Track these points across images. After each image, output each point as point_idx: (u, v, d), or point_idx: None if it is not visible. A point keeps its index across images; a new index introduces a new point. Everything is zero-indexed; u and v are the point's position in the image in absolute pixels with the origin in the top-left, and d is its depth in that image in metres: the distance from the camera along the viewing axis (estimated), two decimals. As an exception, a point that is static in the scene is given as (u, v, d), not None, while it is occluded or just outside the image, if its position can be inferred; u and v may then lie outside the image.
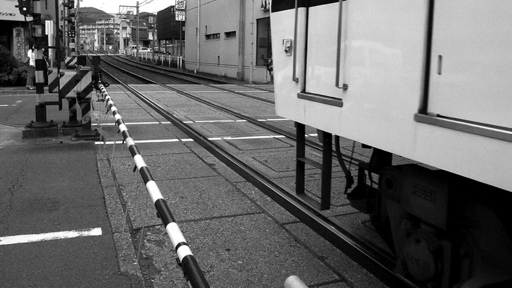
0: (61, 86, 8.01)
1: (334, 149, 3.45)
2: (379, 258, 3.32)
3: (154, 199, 2.59)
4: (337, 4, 2.72)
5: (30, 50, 15.46)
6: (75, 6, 34.49)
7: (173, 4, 46.72)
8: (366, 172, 3.47)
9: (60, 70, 8.26)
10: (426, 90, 2.11)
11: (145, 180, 2.95)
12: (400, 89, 2.27)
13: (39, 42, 7.98)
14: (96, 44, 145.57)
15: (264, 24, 25.81)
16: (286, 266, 3.42)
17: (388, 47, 2.38)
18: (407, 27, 2.21)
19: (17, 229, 3.95)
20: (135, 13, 69.04)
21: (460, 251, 2.35)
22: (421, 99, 2.13)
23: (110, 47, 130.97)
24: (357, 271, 3.36)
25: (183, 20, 42.65)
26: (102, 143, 7.54)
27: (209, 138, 8.08)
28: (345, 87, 2.70)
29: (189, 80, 27.22)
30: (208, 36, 36.40)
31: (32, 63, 15.10)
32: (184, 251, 1.92)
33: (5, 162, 6.17)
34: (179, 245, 1.98)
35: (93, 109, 8.68)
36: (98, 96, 8.52)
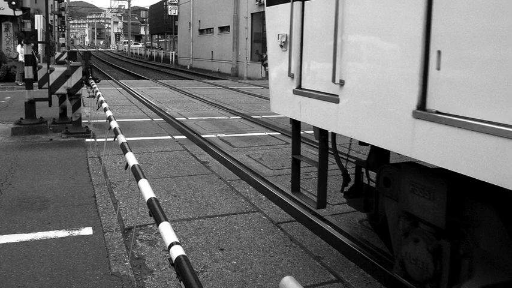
0: (51, 82, 7.91)
1: (330, 146, 3.40)
2: (377, 258, 3.29)
3: (147, 198, 2.56)
4: (334, -2, 2.66)
5: (19, 45, 15.23)
6: (65, 0, 34.09)
7: (165, -2, 46.37)
8: (363, 170, 3.43)
9: (50, 66, 8.13)
10: (425, 86, 2.07)
11: (137, 179, 2.91)
12: (398, 85, 2.23)
13: (28, 37, 7.85)
14: (86, 39, 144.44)
15: (258, 18, 25.68)
16: (282, 266, 3.38)
17: (386, 42, 2.34)
18: (406, 22, 2.17)
19: (6, 228, 3.88)
20: (126, 7, 68.52)
21: (459, 251, 2.32)
22: (420, 96, 2.09)
23: (101, 42, 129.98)
24: (354, 271, 3.32)
25: (176, 14, 42.34)
26: (93, 140, 7.44)
27: (202, 136, 8.00)
28: (342, 83, 2.66)
29: (182, 76, 27.06)
30: (201, 31, 36.18)
31: (21, 58, 14.90)
32: (177, 251, 1.91)
33: (-7, 160, 6.06)
34: (172, 244, 1.98)
35: (84, 105, 8.59)
36: (89, 92, 8.43)
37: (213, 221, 4.19)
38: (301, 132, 3.70)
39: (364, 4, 2.47)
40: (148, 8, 65.37)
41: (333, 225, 3.98)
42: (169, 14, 43.00)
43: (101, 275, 3.16)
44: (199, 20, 36.14)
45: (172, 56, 42.52)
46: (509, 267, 2.13)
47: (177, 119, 9.76)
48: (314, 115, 3.01)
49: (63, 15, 33.67)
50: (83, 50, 55.33)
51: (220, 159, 6.42)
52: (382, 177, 2.86)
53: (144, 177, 2.88)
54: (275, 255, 3.55)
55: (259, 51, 25.60)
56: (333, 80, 2.69)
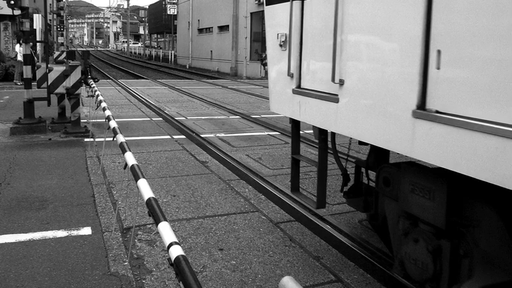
0: (50, 82, 7.89)
1: (330, 146, 3.39)
2: (376, 258, 3.28)
3: (146, 197, 2.55)
4: (333, -3, 2.65)
5: (18, 45, 15.19)
6: (64, 0, 34.02)
7: (165, -2, 46.26)
8: (363, 170, 3.43)
9: (48, 65, 8.11)
10: (425, 85, 2.06)
11: (136, 178, 2.90)
12: (398, 85, 2.22)
13: (27, 37, 7.83)
14: (85, 39, 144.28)
15: (258, 18, 25.64)
16: (281, 266, 3.37)
17: (386, 42, 2.33)
18: (406, 21, 2.16)
19: (5, 228, 3.87)
20: (125, 6, 68.43)
21: (459, 251, 2.32)
22: (420, 95, 2.09)
23: (100, 42, 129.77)
24: (354, 271, 3.32)
25: (175, 13, 42.26)
26: (91, 140, 7.43)
27: (202, 135, 7.99)
28: (341, 82, 2.65)
29: (181, 75, 27.02)
30: (200, 30, 36.12)
31: (19, 58, 14.85)
32: (176, 251, 1.90)
33: (-9, 160, 6.04)
34: (171, 244, 1.96)
35: (83, 105, 8.56)
36: (88, 91, 8.39)
37: (212, 221, 4.18)
38: (301, 132, 3.69)
39: (364, 3, 2.46)
40: (147, 7, 65.24)
41: (333, 225, 3.97)
42: (169, 13, 42.92)
43: (100, 275, 3.15)
44: (198, 20, 36.09)
45: (171, 55, 42.45)
46: (509, 267, 2.13)
47: (176, 118, 9.75)
48: (313, 115, 3.00)
49: (62, 14, 33.58)
50: (82, 49, 55.26)
51: (219, 158, 6.41)
52: (381, 177, 2.85)
53: (143, 177, 2.86)
54: (274, 255, 3.54)
55: (258, 51, 25.57)
56: (333, 80, 2.68)
